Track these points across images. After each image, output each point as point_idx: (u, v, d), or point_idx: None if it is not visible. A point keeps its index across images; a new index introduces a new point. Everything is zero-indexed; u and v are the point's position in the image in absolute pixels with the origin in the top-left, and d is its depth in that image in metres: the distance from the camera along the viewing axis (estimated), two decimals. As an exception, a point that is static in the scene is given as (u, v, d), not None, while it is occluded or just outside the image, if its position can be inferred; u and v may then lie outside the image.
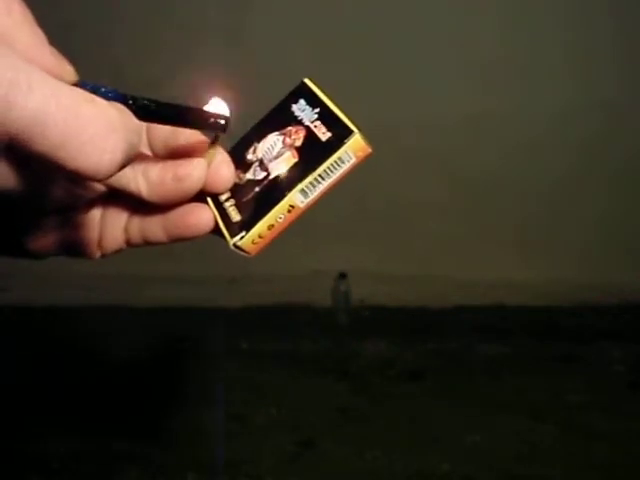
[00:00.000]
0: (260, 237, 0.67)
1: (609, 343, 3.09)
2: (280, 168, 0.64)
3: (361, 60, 3.35)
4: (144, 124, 0.54)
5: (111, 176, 0.44)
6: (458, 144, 3.41)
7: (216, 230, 0.71)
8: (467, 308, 3.49)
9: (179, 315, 3.44)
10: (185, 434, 2.44)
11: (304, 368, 2.90)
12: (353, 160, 0.67)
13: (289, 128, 0.70)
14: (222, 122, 0.57)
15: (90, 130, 0.41)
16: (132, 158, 0.46)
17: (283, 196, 0.63)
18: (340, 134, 0.66)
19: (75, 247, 0.65)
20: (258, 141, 0.70)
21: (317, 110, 0.70)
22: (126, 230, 0.65)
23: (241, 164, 0.66)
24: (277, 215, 0.65)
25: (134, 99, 0.57)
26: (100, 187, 0.57)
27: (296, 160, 0.64)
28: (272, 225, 0.66)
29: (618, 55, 3.29)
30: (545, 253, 3.53)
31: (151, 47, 3.44)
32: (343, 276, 3.39)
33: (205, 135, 0.63)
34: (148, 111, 0.57)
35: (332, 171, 0.68)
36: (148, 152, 0.63)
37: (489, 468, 2.25)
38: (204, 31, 3.40)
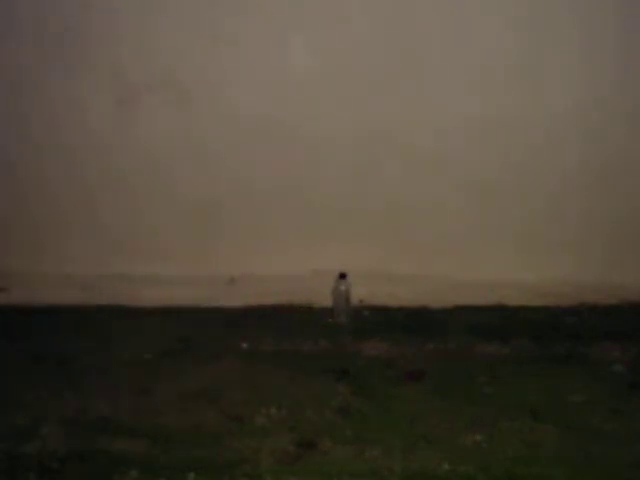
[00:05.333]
0: None
1: (609, 343, 3.09)
2: None
3: (363, 62, 3.35)
4: None
5: None
6: (458, 146, 3.41)
7: None
8: (467, 308, 3.49)
9: (179, 315, 3.44)
10: (185, 434, 2.44)
11: (304, 368, 2.90)
12: None
13: None
14: None
15: None
16: None
17: None
18: None
19: None
20: None
21: None
22: None
23: None
24: None
25: None
26: None
27: None
28: None
29: (617, 58, 3.29)
30: (545, 253, 3.53)
31: (151, 47, 3.44)
32: (343, 276, 3.39)
33: None
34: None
35: None
36: None
37: (489, 468, 2.25)
38: (204, 31, 3.40)
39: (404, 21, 3.30)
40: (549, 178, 3.47)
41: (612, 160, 3.41)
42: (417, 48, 3.31)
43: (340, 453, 2.34)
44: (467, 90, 3.34)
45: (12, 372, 2.86)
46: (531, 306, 3.49)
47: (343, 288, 3.39)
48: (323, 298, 3.46)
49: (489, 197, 3.49)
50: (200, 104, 3.48)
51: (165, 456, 2.33)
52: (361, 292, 3.47)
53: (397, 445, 2.37)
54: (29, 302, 3.50)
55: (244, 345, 3.14)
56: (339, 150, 3.43)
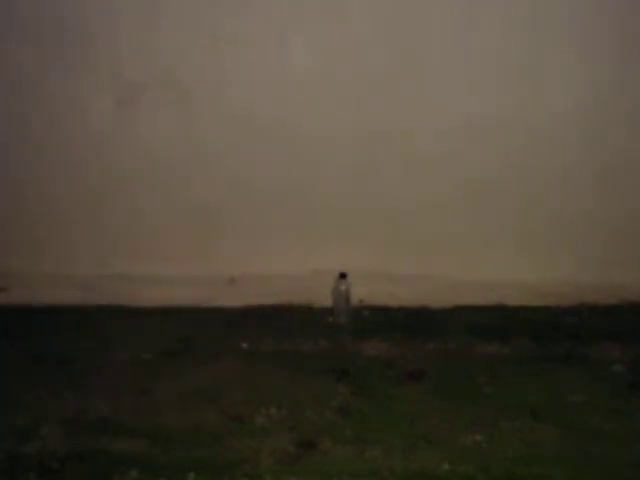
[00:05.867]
0: None
1: (609, 343, 3.09)
2: None
3: (363, 62, 3.35)
4: None
5: None
6: (458, 146, 3.41)
7: None
8: (467, 308, 3.49)
9: (179, 315, 3.44)
10: (185, 434, 2.44)
11: (304, 368, 2.90)
12: None
13: None
14: None
15: None
16: None
17: None
18: None
19: None
20: None
21: None
22: None
23: None
24: None
25: None
26: None
27: None
28: None
29: (617, 58, 3.29)
30: (545, 253, 3.54)
31: (151, 47, 3.44)
32: (343, 276, 3.39)
33: None
34: None
35: None
36: None
37: (489, 468, 2.25)
38: (204, 31, 3.40)
39: (404, 21, 3.30)
40: (549, 178, 3.47)
41: (612, 160, 3.41)
42: (417, 48, 3.31)
43: (340, 453, 2.34)
44: (467, 90, 3.34)
45: (12, 372, 2.86)
46: (531, 306, 3.49)
47: (343, 288, 3.39)
48: (323, 298, 3.46)
49: (489, 197, 3.49)
50: (200, 104, 3.48)
51: (165, 456, 2.32)
52: (361, 292, 3.47)
53: (397, 445, 2.37)
54: (29, 302, 3.50)
55: (244, 345, 3.13)
56: (339, 150, 3.43)
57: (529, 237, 3.52)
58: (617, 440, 2.39)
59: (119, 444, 2.38)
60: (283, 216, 3.53)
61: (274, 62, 3.40)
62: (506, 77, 3.33)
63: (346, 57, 3.34)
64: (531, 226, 3.52)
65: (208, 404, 2.62)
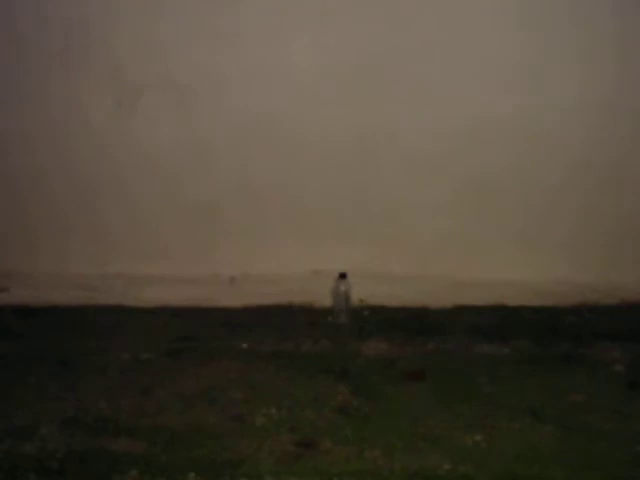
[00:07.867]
0: None
1: (609, 343, 3.09)
2: None
3: (363, 62, 3.35)
4: None
5: None
6: (458, 146, 3.41)
7: None
8: (467, 308, 3.49)
9: (179, 315, 3.44)
10: (185, 434, 2.44)
11: (304, 368, 2.90)
12: None
13: None
14: None
15: None
16: None
17: None
18: None
19: None
20: None
21: None
22: None
23: None
24: None
25: None
26: None
27: None
28: None
29: (618, 58, 3.29)
30: (545, 253, 3.53)
31: (151, 47, 3.44)
32: (343, 276, 3.39)
33: None
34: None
35: None
36: None
37: (489, 468, 2.25)
38: (204, 31, 3.40)
39: (405, 21, 3.30)
40: (549, 178, 3.48)
41: (612, 160, 3.42)
42: (417, 48, 3.31)
43: (340, 453, 2.34)
44: (467, 90, 3.34)
45: (12, 372, 2.86)
46: (531, 306, 3.49)
47: (343, 288, 3.39)
48: (323, 298, 3.46)
49: (489, 197, 3.49)
50: (200, 104, 3.48)
51: (165, 456, 2.32)
52: (361, 292, 3.47)
53: (397, 445, 2.37)
54: (29, 302, 3.50)
55: (244, 345, 3.14)
56: (339, 150, 3.43)
57: (529, 237, 3.52)
58: (617, 440, 2.38)
59: (119, 444, 2.38)
60: (283, 216, 3.53)
61: (274, 62, 3.40)
62: (507, 77, 3.33)
63: (346, 57, 3.34)
64: (531, 226, 3.52)
65: (208, 404, 2.62)
